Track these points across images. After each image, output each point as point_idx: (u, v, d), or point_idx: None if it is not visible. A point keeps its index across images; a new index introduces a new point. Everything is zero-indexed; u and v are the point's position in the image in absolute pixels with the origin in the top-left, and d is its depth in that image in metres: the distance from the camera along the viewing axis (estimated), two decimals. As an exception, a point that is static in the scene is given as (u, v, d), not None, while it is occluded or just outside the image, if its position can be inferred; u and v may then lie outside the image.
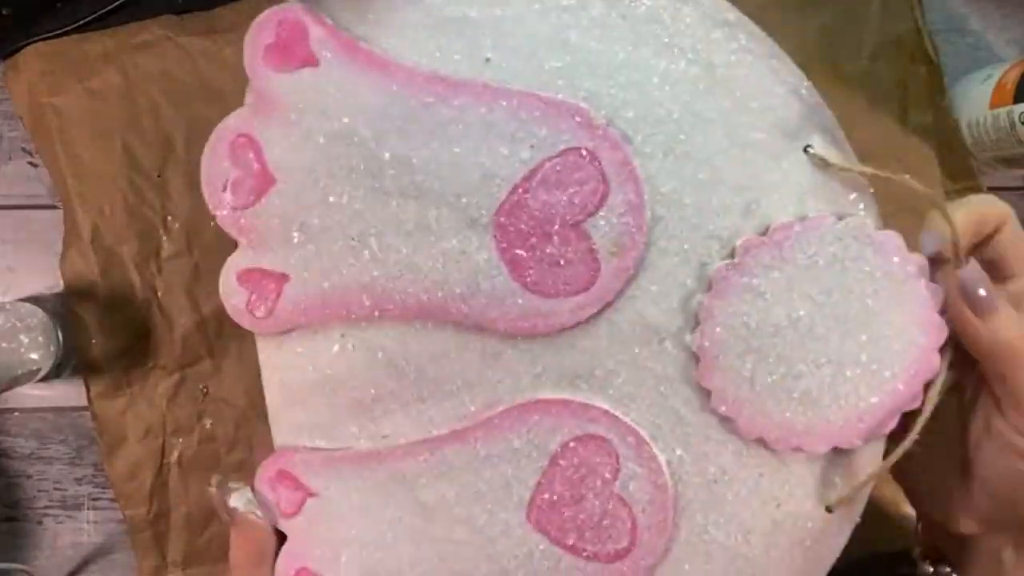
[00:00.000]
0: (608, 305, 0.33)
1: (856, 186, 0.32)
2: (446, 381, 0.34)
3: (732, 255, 0.32)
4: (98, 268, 0.43)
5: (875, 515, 0.36)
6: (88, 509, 0.45)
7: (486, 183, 0.32)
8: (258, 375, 0.35)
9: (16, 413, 0.45)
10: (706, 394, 0.33)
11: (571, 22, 0.32)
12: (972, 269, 0.30)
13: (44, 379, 0.41)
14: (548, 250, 0.32)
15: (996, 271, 0.31)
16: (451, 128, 0.32)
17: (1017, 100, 0.42)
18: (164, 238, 0.43)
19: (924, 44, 0.45)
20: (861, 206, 0.32)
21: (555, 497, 0.34)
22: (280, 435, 0.36)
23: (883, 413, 0.32)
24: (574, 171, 0.32)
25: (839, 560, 0.34)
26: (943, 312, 0.31)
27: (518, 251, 0.33)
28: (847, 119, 0.42)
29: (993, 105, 0.44)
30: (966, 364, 0.31)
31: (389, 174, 0.33)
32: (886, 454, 0.33)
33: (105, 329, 0.42)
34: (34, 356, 0.40)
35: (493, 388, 0.34)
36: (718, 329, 0.32)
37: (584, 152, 0.32)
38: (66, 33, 0.43)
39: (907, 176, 0.31)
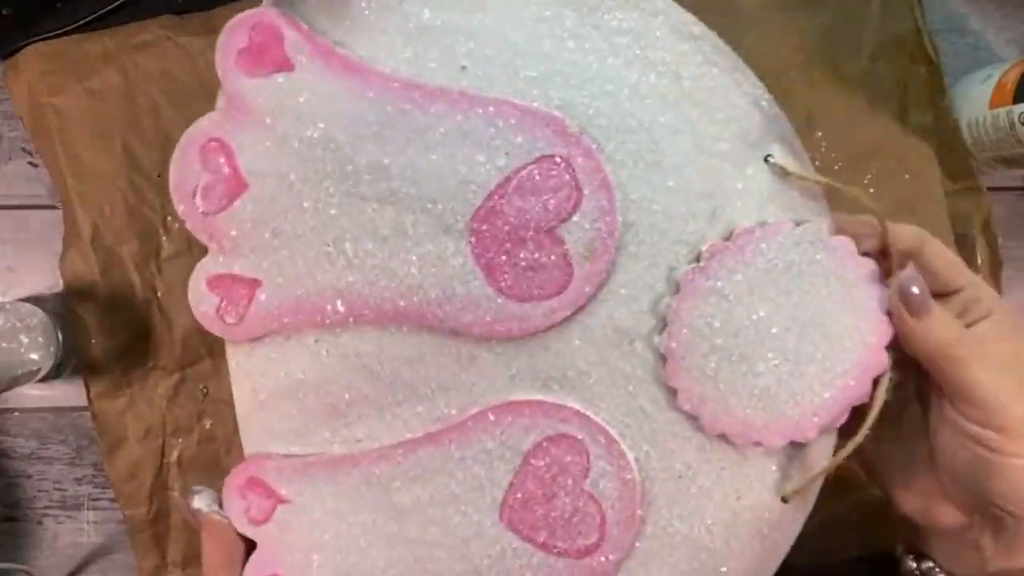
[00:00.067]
0: (580, 308, 0.34)
1: (812, 194, 0.34)
2: (421, 384, 0.34)
3: (698, 259, 0.34)
4: (98, 268, 0.42)
5: (870, 517, 0.37)
6: (88, 509, 0.45)
7: (462, 189, 0.33)
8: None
9: (16, 413, 0.45)
10: (672, 393, 0.34)
11: (545, 32, 0.33)
12: (909, 273, 0.32)
13: (44, 379, 0.41)
14: (523, 255, 0.33)
15: (941, 289, 0.33)
16: (428, 134, 0.32)
17: (1017, 100, 0.42)
18: (164, 238, 0.43)
19: (924, 44, 0.45)
20: (816, 212, 0.34)
21: (527, 496, 0.35)
22: (250, 442, 0.35)
23: (836, 408, 0.34)
24: (548, 178, 0.33)
25: (838, 560, 0.36)
26: (889, 313, 0.33)
27: (493, 256, 0.33)
28: (847, 119, 0.45)
29: (993, 105, 0.43)
30: (913, 362, 0.33)
31: (365, 180, 0.33)
32: (837, 449, 0.34)
33: (105, 329, 0.42)
34: (34, 356, 0.40)
35: (468, 391, 0.34)
36: (685, 330, 0.33)
37: (558, 159, 0.33)
38: (66, 33, 0.42)
39: (858, 190, 0.33)
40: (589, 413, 0.34)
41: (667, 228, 0.34)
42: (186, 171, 0.33)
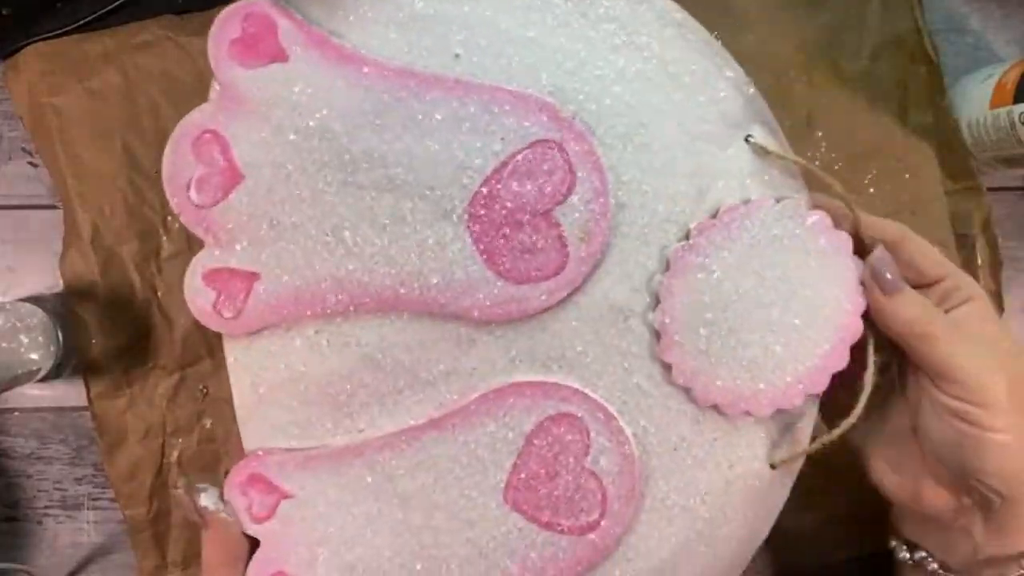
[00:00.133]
0: (577, 289, 0.35)
1: (790, 172, 0.36)
2: (423, 371, 0.35)
3: (687, 237, 0.35)
4: (98, 268, 0.42)
5: (869, 517, 0.38)
6: (88, 509, 0.44)
7: (459, 175, 0.33)
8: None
9: (16, 413, 0.44)
10: (666, 368, 0.35)
11: (536, 20, 0.34)
12: (879, 254, 0.34)
13: (44, 379, 0.41)
14: (520, 238, 0.34)
15: (921, 279, 0.34)
16: (424, 122, 0.33)
17: (1017, 100, 0.42)
18: (164, 238, 0.42)
19: (924, 44, 0.45)
20: (795, 190, 0.36)
21: (530, 476, 0.35)
22: (251, 439, 0.35)
23: (817, 374, 0.35)
24: (543, 162, 0.34)
25: (838, 560, 0.36)
26: (863, 282, 0.35)
27: (492, 240, 0.34)
28: (847, 119, 0.45)
29: (993, 105, 0.43)
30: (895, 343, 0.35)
31: (362, 168, 0.33)
32: (830, 427, 0.35)
33: (105, 329, 0.42)
34: (34, 356, 0.39)
35: (469, 375, 0.35)
36: (677, 306, 0.35)
37: (552, 144, 0.33)
38: (66, 33, 0.42)
39: (832, 182, 0.34)
40: (588, 391, 0.35)
41: (657, 207, 0.35)
42: (180, 164, 0.32)
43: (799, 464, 0.37)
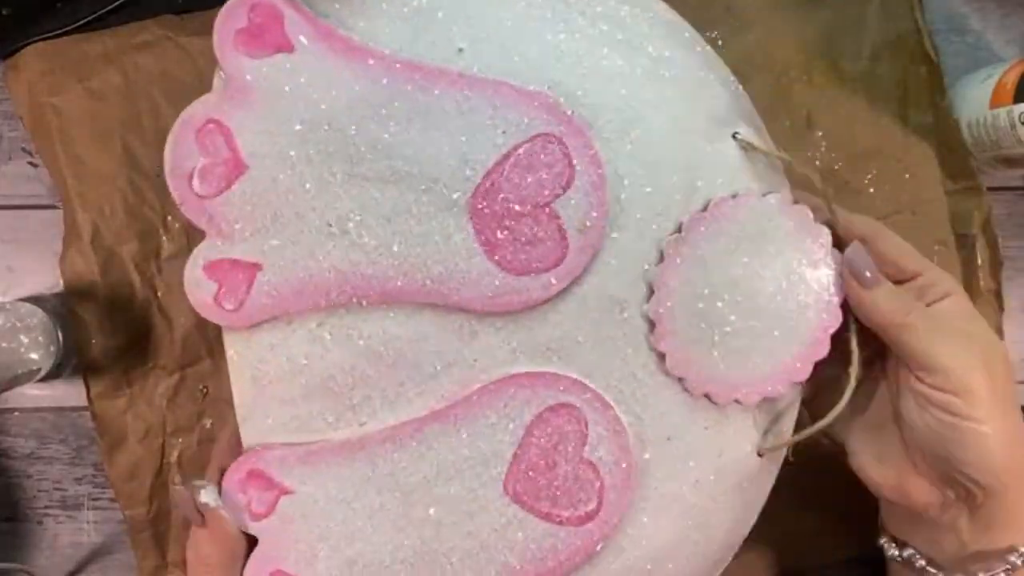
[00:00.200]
0: (575, 281, 0.35)
1: (773, 167, 0.37)
2: (424, 363, 0.35)
3: (680, 229, 0.36)
4: (98, 268, 0.42)
5: (868, 517, 0.39)
6: (88, 509, 0.44)
7: (462, 167, 0.34)
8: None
9: (16, 413, 0.44)
10: (661, 357, 0.36)
11: (536, 16, 0.35)
12: (854, 248, 0.35)
13: (44, 379, 0.41)
14: (521, 230, 0.34)
15: (897, 275, 0.35)
16: (429, 114, 0.33)
17: (1017, 100, 0.42)
18: (164, 238, 0.42)
19: (924, 44, 0.45)
20: (778, 184, 0.37)
21: (530, 467, 0.35)
22: (250, 434, 0.35)
23: (801, 362, 0.37)
24: (543, 155, 0.34)
25: (838, 560, 0.37)
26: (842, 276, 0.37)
27: (493, 232, 0.34)
28: (847, 119, 0.45)
29: (993, 105, 0.43)
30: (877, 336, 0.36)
31: (367, 159, 0.33)
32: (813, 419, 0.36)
33: (105, 329, 0.42)
34: (34, 356, 0.39)
35: (470, 367, 0.35)
36: (670, 296, 0.36)
37: (552, 137, 0.34)
38: (66, 33, 0.42)
39: (813, 178, 0.36)
40: (585, 381, 0.36)
41: (652, 200, 0.36)
42: (182, 154, 0.32)
43: (783, 452, 0.38)
